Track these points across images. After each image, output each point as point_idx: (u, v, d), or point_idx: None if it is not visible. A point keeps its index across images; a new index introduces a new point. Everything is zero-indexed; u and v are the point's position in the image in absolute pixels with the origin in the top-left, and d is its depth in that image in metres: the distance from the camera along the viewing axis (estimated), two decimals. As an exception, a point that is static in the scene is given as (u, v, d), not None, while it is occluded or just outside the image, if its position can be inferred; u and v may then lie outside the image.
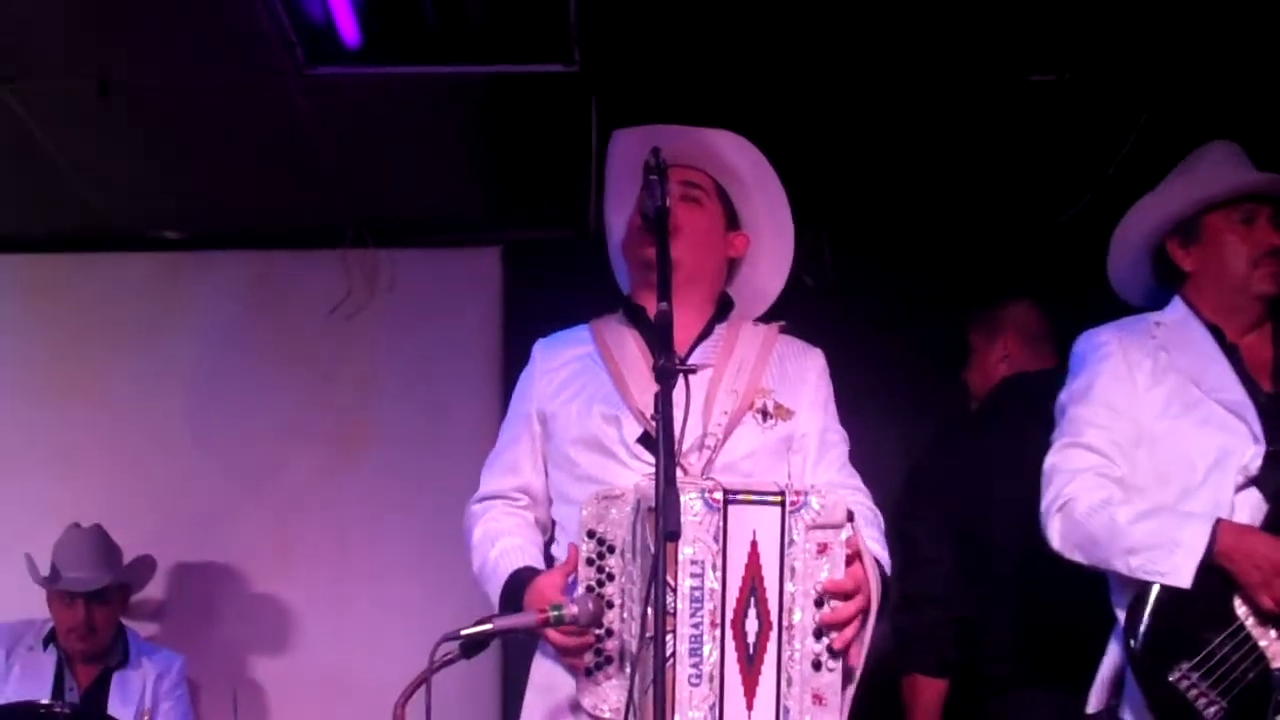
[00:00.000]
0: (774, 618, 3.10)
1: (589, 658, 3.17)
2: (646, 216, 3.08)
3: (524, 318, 4.22)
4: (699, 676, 3.03)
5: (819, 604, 3.12)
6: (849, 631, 3.14)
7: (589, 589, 3.16)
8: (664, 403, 2.85)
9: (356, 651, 5.28)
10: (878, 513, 3.42)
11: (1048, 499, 3.73)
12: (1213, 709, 3.52)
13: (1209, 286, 3.84)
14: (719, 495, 3.08)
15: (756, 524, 3.11)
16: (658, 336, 2.93)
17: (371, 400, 5.67)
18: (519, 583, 3.31)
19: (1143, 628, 3.59)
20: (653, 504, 2.95)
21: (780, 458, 3.39)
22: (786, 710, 3.08)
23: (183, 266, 5.86)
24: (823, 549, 3.13)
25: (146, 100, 4.86)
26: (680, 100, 4.82)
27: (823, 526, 3.14)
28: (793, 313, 5.51)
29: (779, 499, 3.12)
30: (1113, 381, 3.79)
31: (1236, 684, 3.53)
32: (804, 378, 3.51)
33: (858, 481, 3.48)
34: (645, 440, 3.30)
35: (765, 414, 3.37)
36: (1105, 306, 5.24)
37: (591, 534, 3.19)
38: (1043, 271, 5.38)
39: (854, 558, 3.18)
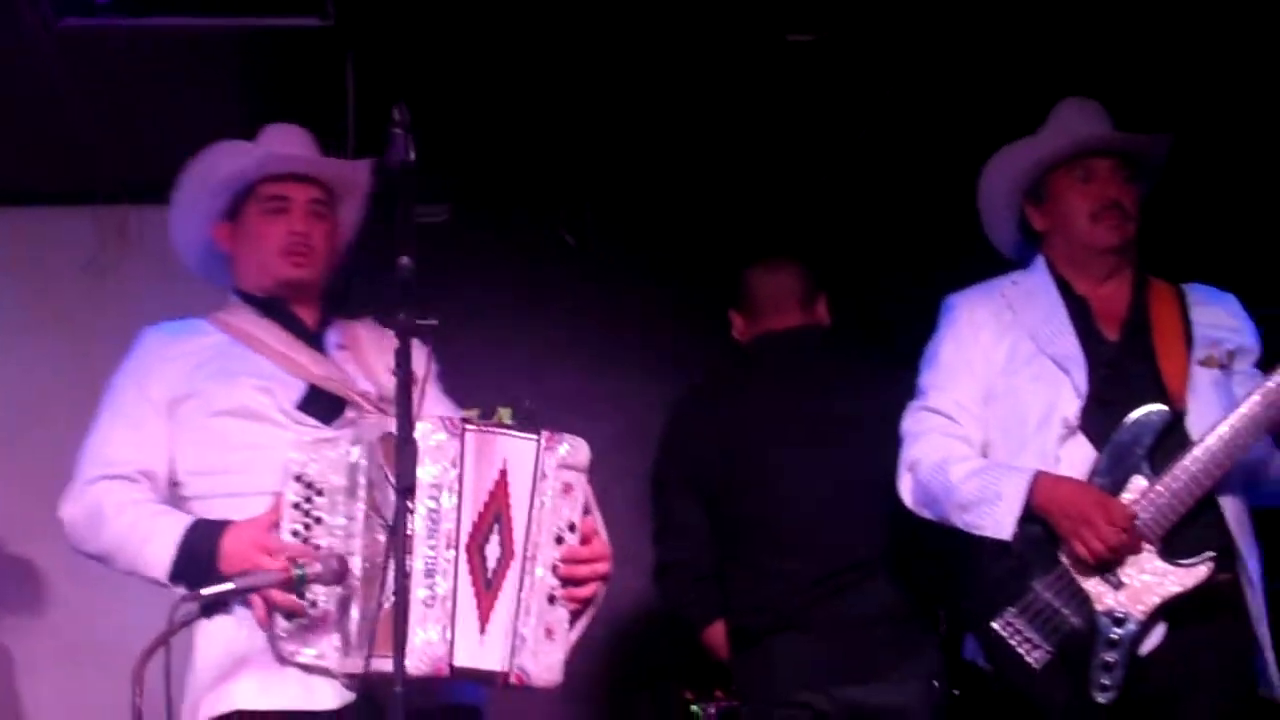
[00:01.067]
0: (517, 548, 3.12)
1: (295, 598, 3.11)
2: (389, 170, 3.02)
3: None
4: (433, 597, 3.01)
5: (559, 541, 3.16)
6: (584, 572, 3.18)
7: (294, 533, 3.12)
8: (403, 356, 2.83)
9: (101, 616, 5.15)
10: None
11: (900, 461, 3.88)
12: (1037, 653, 3.64)
13: (1059, 243, 3.95)
14: (457, 421, 3.11)
15: (507, 454, 3.13)
16: (398, 290, 2.87)
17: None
18: (209, 531, 3.22)
19: (972, 578, 3.77)
20: (380, 434, 3.00)
21: None
22: (522, 638, 3.10)
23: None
24: (568, 489, 3.18)
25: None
26: (435, 57, 4.79)
27: (570, 467, 3.18)
28: (554, 272, 5.56)
29: (534, 435, 3.16)
30: (956, 345, 3.92)
31: (1061, 627, 3.64)
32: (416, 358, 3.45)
33: None
34: (306, 405, 3.32)
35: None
36: (869, 261, 5.37)
37: (300, 478, 3.14)
38: (804, 228, 5.43)
39: (588, 508, 3.23)
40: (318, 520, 3.13)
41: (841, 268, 5.10)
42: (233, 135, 3.62)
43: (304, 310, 3.54)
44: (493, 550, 3.10)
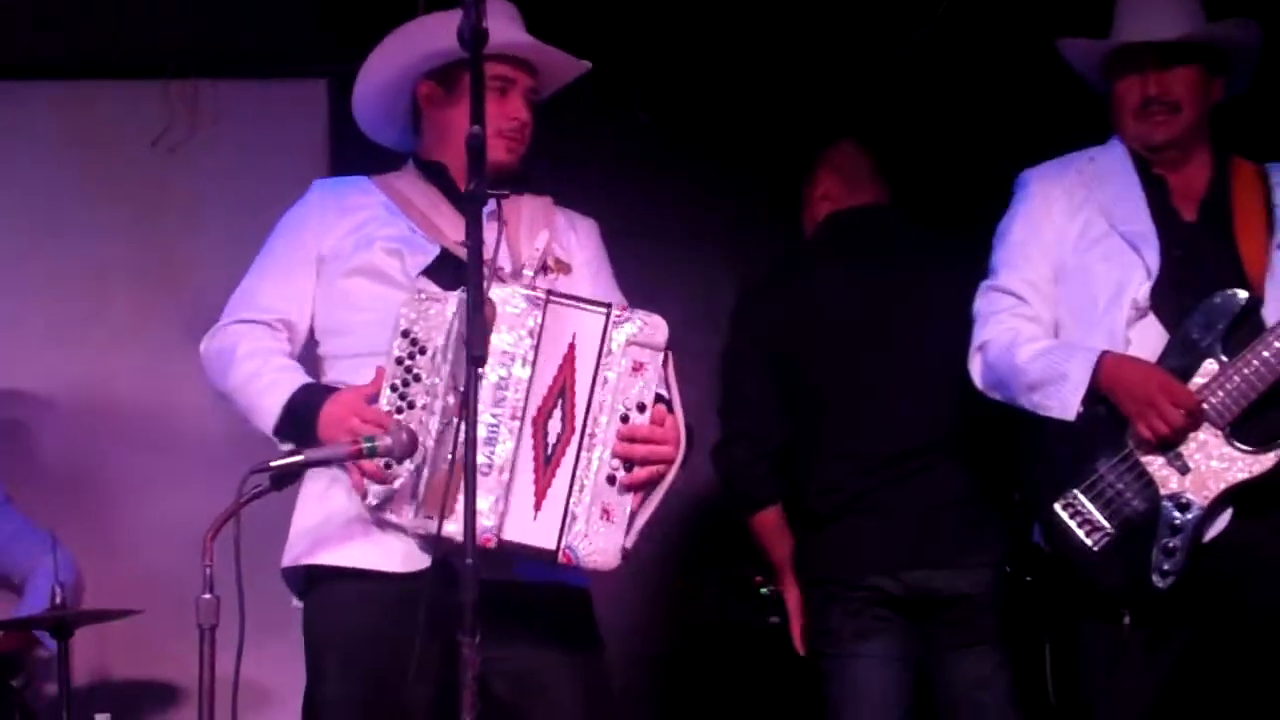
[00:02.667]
0: (578, 424, 3.11)
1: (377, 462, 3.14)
2: (461, 37, 2.99)
3: (351, 151, 4.17)
4: (489, 466, 3.03)
5: (624, 420, 3.13)
6: (642, 452, 3.14)
7: (394, 388, 3.15)
8: (473, 226, 2.81)
9: (182, 491, 5.18)
10: None
11: (972, 342, 3.86)
12: (1097, 535, 3.63)
13: (1121, 129, 3.89)
14: (541, 293, 3.11)
15: (577, 328, 3.13)
16: (470, 161, 2.85)
17: (195, 235, 5.54)
18: (314, 394, 3.27)
19: (1038, 458, 3.76)
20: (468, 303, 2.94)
21: None
22: (574, 516, 3.10)
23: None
24: (638, 368, 3.14)
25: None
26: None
27: (641, 345, 3.15)
28: (627, 150, 5.53)
29: (604, 308, 3.15)
30: (1028, 223, 3.88)
31: (1124, 509, 3.63)
32: (580, 240, 3.56)
33: None
34: (431, 272, 3.32)
35: (546, 268, 3.40)
36: (946, 139, 5.30)
37: (406, 334, 3.17)
38: (878, 108, 5.37)
39: (665, 400, 3.19)
40: (416, 378, 3.16)
41: (916, 149, 5.06)
42: (304, 9, 3.59)
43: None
44: (555, 426, 3.11)
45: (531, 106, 3.53)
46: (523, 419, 3.07)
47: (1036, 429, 3.74)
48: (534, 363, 3.08)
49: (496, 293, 3.08)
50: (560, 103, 4.92)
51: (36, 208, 5.57)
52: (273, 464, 2.99)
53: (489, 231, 3.32)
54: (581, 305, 3.16)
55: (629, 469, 3.13)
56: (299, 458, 3.03)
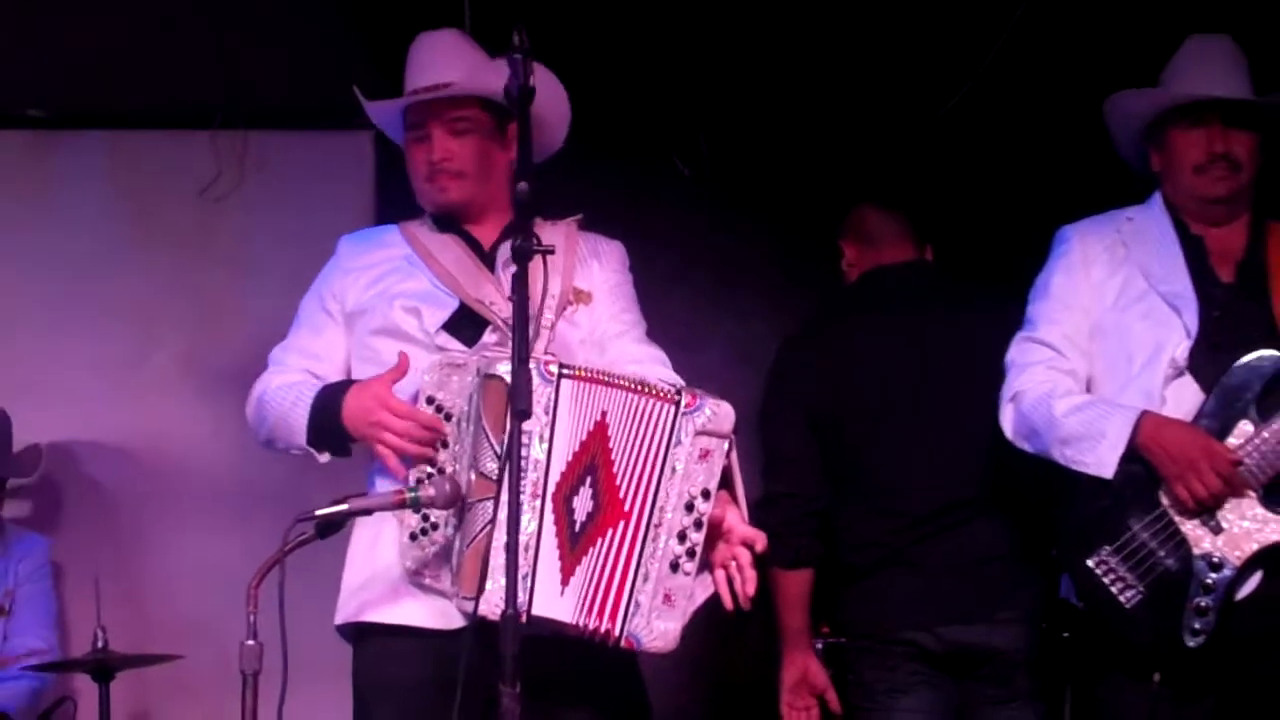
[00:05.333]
0: (631, 510, 3.12)
1: (416, 522, 3.20)
2: (510, 95, 3.04)
3: (397, 204, 4.21)
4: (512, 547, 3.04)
5: (689, 508, 3.14)
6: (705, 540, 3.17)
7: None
8: (519, 282, 2.85)
9: (224, 536, 5.23)
10: (678, 379, 3.46)
11: (1002, 392, 3.88)
12: (1130, 593, 3.64)
13: (1170, 184, 3.92)
14: (554, 369, 3.11)
15: (610, 407, 3.14)
16: (516, 216, 2.91)
17: (241, 284, 5.60)
18: (334, 390, 3.35)
19: (1071, 514, 3.77)
20: (491, 372, 3.04)
21: (591, 341, 3.48)
22: (637, 604, 3.12)
23: (45, 146, 5.73)
24: (705, 455, 3.15)
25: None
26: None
27: (709, 433, 3.15)
28: (666, 201, 5.56)
29: (674, 399, 3.16)
30: (1067, 277, 3.90)
31: (1156, 568, 3.64)
32: (603, 265, 3.60)
33: (660, 353, 3.56)
34: (450, 326, 3.38)
35: (567, 304, 3.46)
36: (989, 191, 5.31)
37: (430, 400, 3.22)
38: (904, 166, 5.39)
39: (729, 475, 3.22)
40: (444, 444, 3.20)
41: (953, 206, 5.07)
42: (351, 60, 3.65)
43: (481, 225, 3.56)
44: (582, 503, 3.12)
45: (465, 133, 3.53)
46: (544, 496, 3.08)
47: (1068, 484, 3.75)
48: (550, 439, 3.09)
49: (507, 368, 2.98)
50: (603, 154, 4.99)
51: (87, 253, 5.63)
52: (317, 512, 3.03)
53: (507, 284, 3.40)
54: (636, 389, 3.17)
55: (691, 555, 3.16)
56: (343, 507, 3.06)
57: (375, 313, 3.45)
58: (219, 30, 5.24)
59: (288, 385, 3.44)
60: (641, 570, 3.12)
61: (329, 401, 3.32)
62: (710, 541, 3.21)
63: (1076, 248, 3.92)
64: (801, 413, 4.36)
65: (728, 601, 3.22)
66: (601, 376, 3.17)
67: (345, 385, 3.35)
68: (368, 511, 3.13)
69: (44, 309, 5.62)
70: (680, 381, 3.43)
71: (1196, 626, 3.59)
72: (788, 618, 4.39)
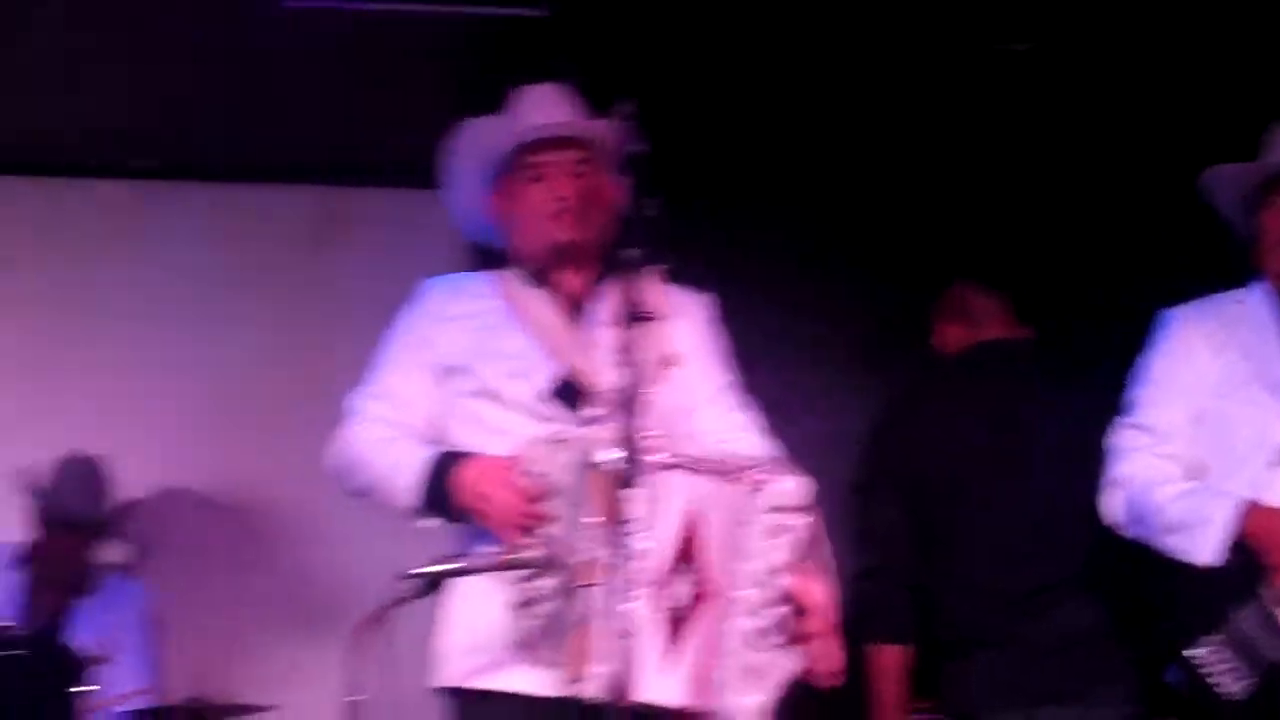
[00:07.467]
0: (715, 589, 3.11)
1: (521, 593, 3.15)
2: (625, 157, 3.07)
3: (490, 260, 4.25)
4: (618, 632, 3.01)
5: (767, 584, 3.13)
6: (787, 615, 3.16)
7: (524, 529, 3.17)
8: (627, 354, 2.90)
9: (322, 583, 5.29)
10: (767, 444, 3.43)
11: (1106, 477, 3.84)
12: (1239, 681, 3.58)
13: (1260, 262, 3.86)
14: (652, 458, 3.06)
15: (703, 492, 3.13)
16: (625, 292, 2.94)
17: (340, 335, 5.63)
18: (449, 459, 3.31)
19: (1176, 602, 3.71)
20: (593, 459, 3.03)
21: (683, 406, 3.42)
22: (725, 681, 3.10)
23: (148, 197, 5.83)
24: (777, 531, 3.14)
25: (121, 27, 4.84)
26: (650, 47, 4.83)
27: (783, 509, 3.14)
28: (761, 270, 5.57)
29: (741, 476, 3.15)
30: (1172, 361, 3.85)
31: (1260, 660, 3.58)
32: (693, 323, 3.54)
33: (749, 416, 3.51)
34: (555, 395, 3.34)
35: (663, 362, 3.36)
36: (1092, 270, 5.27)
37: (534, 475, 3.19)
38: (1001, 244, 5.39)
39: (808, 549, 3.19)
40: (550, 520, 3.17)
41: (1052, 282, 5.06)
42: (449, 122, 3.70)
43: (575, 277, 3.50)
44: (682, 589, 3.10)
45: (582, 176, 3.49)
46: (645, 583, 3.03)
47: (1170, 569, 3.73)
48: (649, 527, 3.03)
49: (608, 455, 2.95)
50: (697, 219, 5.02)
51: (186, 302, 5.76)
52: (423, 570, 3.04)
53: (605, 338, 3.29)
54: (720, 471, 3.15)
55: (774, 630, 3.13)
56: (448, 566, 3.08)
57: (474, 373, 3.42)
58: (318, 88, 5.29)
59: (386, 441, 3.42)
60: (726, 647, 3.12)
61: (443, 471, 3.29)
62: (795, 616, 3.19)
63: (1179, 332, 3.88)
64: (897, 486, 4.36)
65: (816, 676, 3.22)
66: (691, 461, 3.15)
67: (459, 456, 3.32)
68: (472, 571, 3.13)
69: (142, 357, 5.72)
70: (770, 446, 3.42)
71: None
72: (881, 691, 4.38)
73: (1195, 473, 3.77)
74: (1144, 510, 3.74)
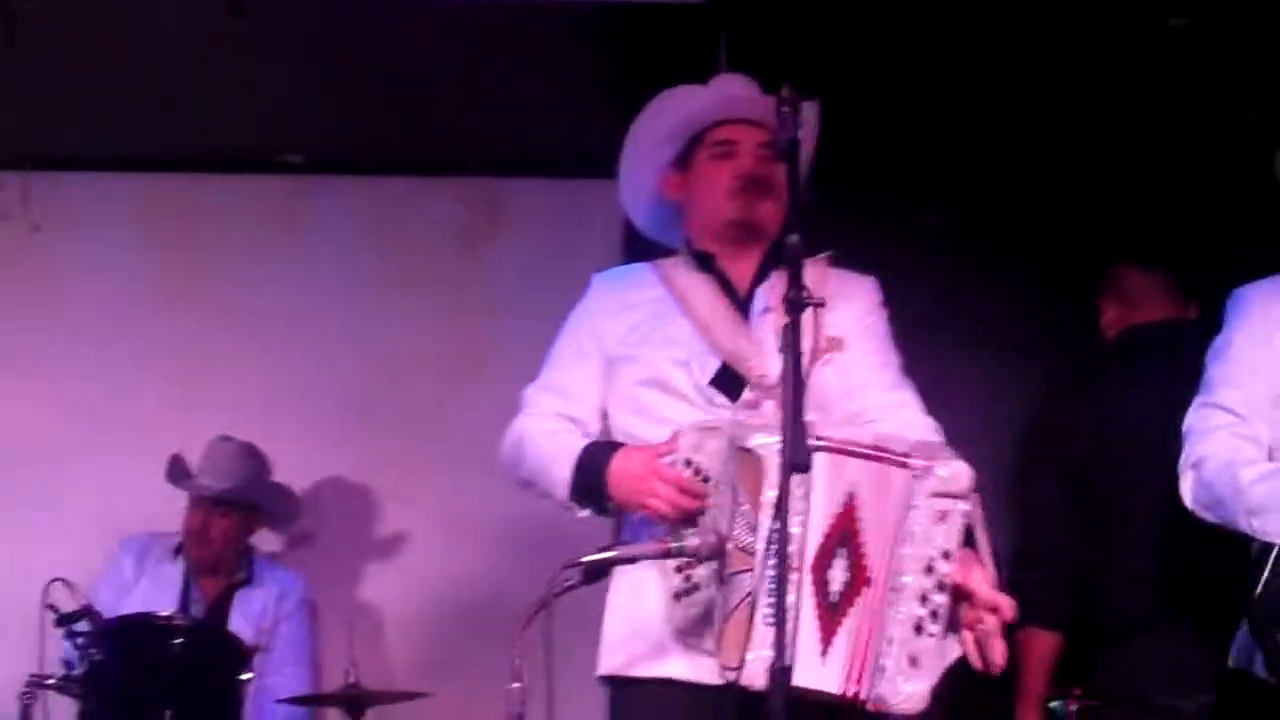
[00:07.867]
0: (876, 576, 3.09)
1: (679, 581, 3.17)
2: (778, 148, 3.05)
3: (645, 251, 4.25)
4: (774, 618, 3.02)
5: (929, 570, 3.10)
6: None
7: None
8: (793, 335, 2.85)
9: (473, 576, 5.32)
10: (929, 424, 3.43)
11: (1182, 459, 3.72)
12: None
13: None
14: (810, 442, 2.99)
15: (859, 477, 3.11)
16: (787, 268, 2.92)
17: (490, 328, 5.71)
18: (600, 450, 3.35)
19: (1260, 586, 3.56)
20: (747, 446, 3.04)
21: (845, 389, 3.42)
22: (883, 668, 3.08)
23: (303, 191, 5.91)
24: (942, 517, 3.11)
25: (273, 23, 4.89)
26: (807, 36, 4.80)
27: (944, 494, 3.12)
28: (913, 256, 5.53)
29: (903, 463, 3.13)
30: (1249, 340, 3.74)
31: None
32: (855, 306, 3.53)
33: (910, 395, 3.50)
34: (717, 382, 3.36)
35: (819, 352, 3.30)
36: (1252, 245, 5.18)
37: (689, 463, 3.20)
38: (1167, 224, 5.30)
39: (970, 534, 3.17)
40: (702, 510, 3.18)
41: (1216, 263, 4.97)
42: (604, 113, 3.72)
43: (743, 264, 3.53)
44: (837, 574, 3.08)
45: (769, 160, 3.49)
46: (801, 569, 3.05)
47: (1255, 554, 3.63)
48: (806, 511, 3.05)
49: (760, 441, 3.02)
50: (849, 204, 4.98)
51: (338, 294, 5.83)
52: (583, 560, 3.04)
53: (766, 329, 3.39)
54: (869, 456, 3.13)
55: (935, 617, 3.11)
56: (609, 554, 3.08)
57: (641, 362, 3.44)
58: (473, 79, 5.31)
59: (548, 434, 3.46)
60: (886, 634, 3.09)
61: (594, 462, 3.33)
62: (956, 602, 3.17)
63: (1259, 311, 3.75)
64: (1060, 472, 4.31)
65: (977, 663, 3.18)
66: (849, 446, 3.13)
67: (610, 447, 3.36)
68: (633, 560, 3.13)
69: (297, 349, 5.78)
70: (933, 429, 3.41)
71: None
72: (1028, 677, 4.36)
73: (1274, 455, 3.64)
74: (1226, 492, 3.58)
